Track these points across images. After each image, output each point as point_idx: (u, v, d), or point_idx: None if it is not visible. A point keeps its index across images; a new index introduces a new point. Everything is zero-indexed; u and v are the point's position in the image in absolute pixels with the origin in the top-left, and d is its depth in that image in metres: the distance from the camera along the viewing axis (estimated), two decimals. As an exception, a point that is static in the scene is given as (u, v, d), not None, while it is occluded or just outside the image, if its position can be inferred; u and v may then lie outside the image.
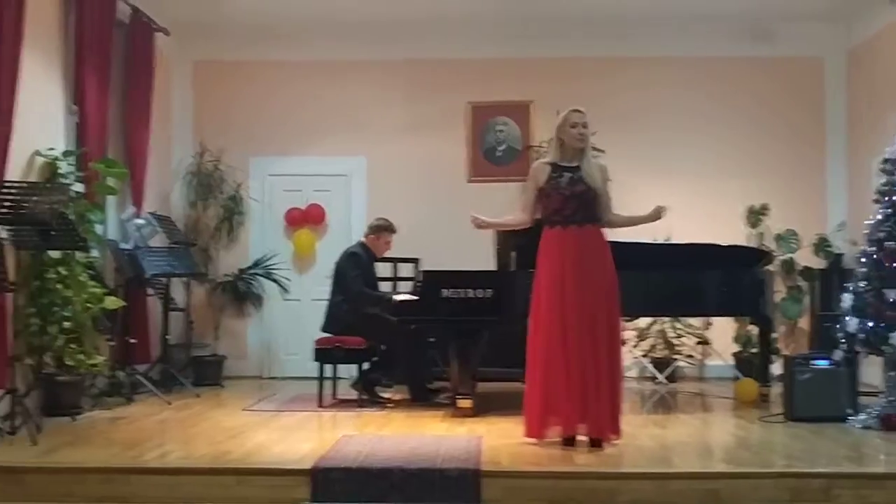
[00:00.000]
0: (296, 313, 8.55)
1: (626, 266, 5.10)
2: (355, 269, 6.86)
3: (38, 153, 6.08)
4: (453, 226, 7.29)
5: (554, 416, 4.89)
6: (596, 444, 4.88)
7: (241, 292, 8.61)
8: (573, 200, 4.97)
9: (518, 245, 6.22)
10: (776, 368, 6.80)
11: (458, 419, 5.87)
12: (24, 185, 5.51)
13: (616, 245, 5.11)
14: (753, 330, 7.56)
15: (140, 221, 7.32)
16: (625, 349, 5.23)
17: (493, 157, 8.93)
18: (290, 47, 8.75)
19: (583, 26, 8.53)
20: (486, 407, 6.08)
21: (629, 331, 7.90)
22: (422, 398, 6.63)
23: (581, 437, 4.90)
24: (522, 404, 5.03)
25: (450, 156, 8.83)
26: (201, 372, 7.89)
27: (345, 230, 8.62)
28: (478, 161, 8.92)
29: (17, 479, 4.33)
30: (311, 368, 6.80)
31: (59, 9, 6.52)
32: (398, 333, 6.62)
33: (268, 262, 8.61)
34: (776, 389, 6.55)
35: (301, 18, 8.36)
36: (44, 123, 6.26)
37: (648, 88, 8.72)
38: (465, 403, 5.99)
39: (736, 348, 8.29)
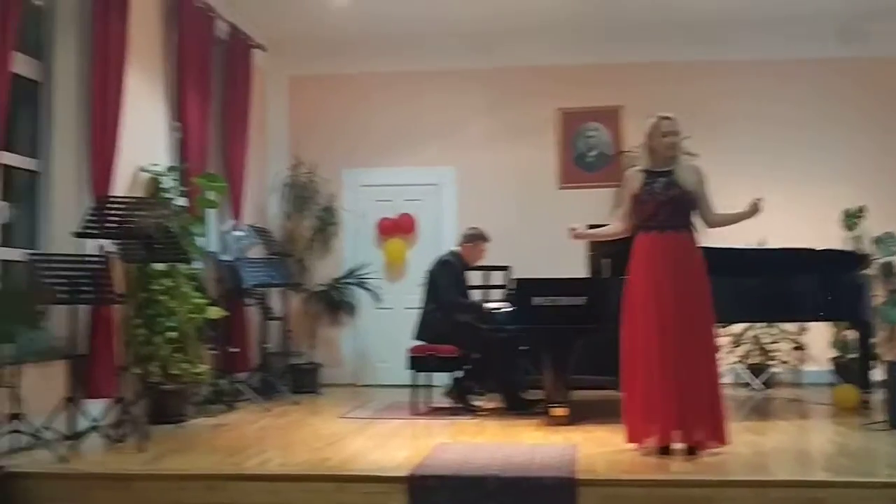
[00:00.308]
0: (388, 322, 8.65)
1: (720, 272, 5.02)
2: (448, 278, 6.92)
3: (142, 169, 6.33)
4: (544, 233, 7.30)
5: (652, 424, 4.84)
6: (692, 451, 4.81)
7: (335, 301, 8.77)
8: (668, 205, 4.92)
9: (611, 252, 6.16)
10: (876, 374, 6.58)
11: (552, 427, 5.85)
12: (131, 200, 5.73)
13: (710, 251, 5.03)
14: (850, 335, 7.33)
15: (239, 233, 7.54)
16: (719, 355, 5.13)
17: (583, 164, 8.89)
18: (382, 59, 8.88)
19: (671, 30, 8.42)
20: (580, 415, 6.04)
21: (724, 337, 7.75)
22: (515, 407, 6.63)
23: (678, 445, 4.83)
24: (620, 411, 4.99)
25: (540, 163, 8.83)
26: (299, 379, 8.05)
27: (435, 239, 8.70)
28: (568, 167, 8.89)
29: (125, 486, 4.48)
30: (404, 376, 6.87)
31: (161, 29, 6.77)
32: (490, 342, 6.65)
33: (360, 272, 8.75)
34: (877, 396, 6.34)
35: (392, 31, 8.47)
36: (148, 140, 6.50)
37: (738, 92, 8.57)
38: (558, 412, 5.97)
39: (833, 353, 8.05)
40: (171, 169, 6.55)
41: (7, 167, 5.19)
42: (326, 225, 8.81)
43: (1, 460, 4.55)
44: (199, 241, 6.60)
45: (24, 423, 4.69)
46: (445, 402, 6.81)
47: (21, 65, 5.31)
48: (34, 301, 4.80)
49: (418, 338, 6.89)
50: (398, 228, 8.97)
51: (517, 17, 8.18)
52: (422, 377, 6.76)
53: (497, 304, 7.00)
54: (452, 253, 7.17)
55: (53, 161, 5.68)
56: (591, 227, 5.56)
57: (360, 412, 6.84)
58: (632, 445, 4.91)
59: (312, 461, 4.82)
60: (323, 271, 8.85)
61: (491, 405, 6.83)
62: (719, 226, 5.08)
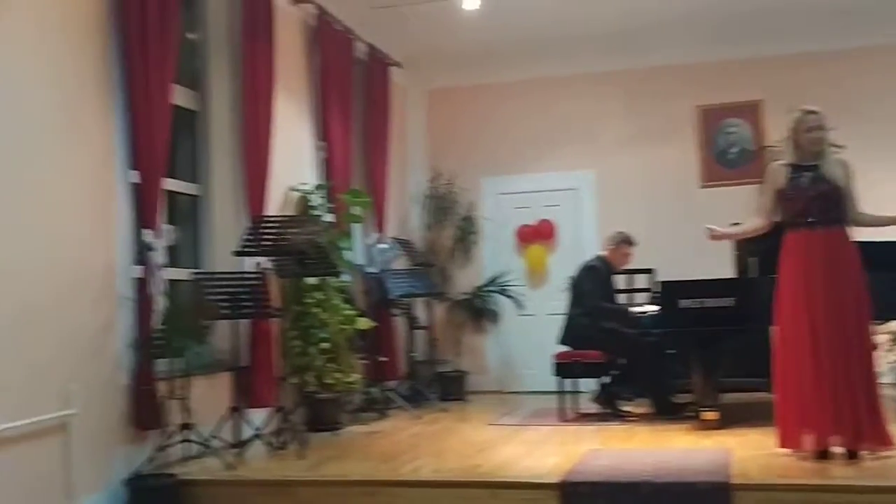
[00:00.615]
0: (531, 328, 8.68)
1: (877, 266, 4.82)
2: (592, 283, 6.89)
3: (292, 189, 6.61)
4: (687, 234, 7.11)
5: (807, 427, 4.70)
6: (852, 455, 4.64)
7: (477, 309, 8.88)
8: (818, 201, 4.76)
9: (758, 250, 6.02)
10: None
11: (703, 432, 5.75)
12: (283, 218, 6.00)
13: (865, 245, 4.84)
14: None
15: (383, 246, 7.77)
16: (877, 354, 4.92)
17: (724, 161, 8.69)
18: (516, 67, 8.95)
19: (809, 20, 8.10)
20: (731, 419, 5.91)
21: (881, 335, 7.39)
22: (665, 411, 6.55)
23: (836, 450, 4.67)
24: (773, 414, 4.86)
25: (680, 162, 8.68)
26: (446, 387, 8.19)
27: (576, 244, 8.67)
28: (710, 165, 8.70)
29: (288, 492, 4.70)
30: (550, 383, 6.89)
31: (304, 54, 7.05)
32: (637, 346, 6.59)
33: (502, 279, 8.83)
34: None
35: (525, 38, 8.51)
36: (296, 161, 6.79)
37: (880, 79, 8.17)
38: (709, 416, 5.87)
39: None
40: (318, 187, 6.81)
41: (171, 193, 5.53)
42: (467, 234, 8.95)
43: (174, 468, 4.87)
44: (346, 254, 6.83)
45: (193, 433, 4.98)
46: (593, 408, 6.80)
47: (180, 96, 5.65)
48: (200, 317, 5.11)
49: (563, 343, 6.90)
50: (538, 235, 9.01)
51: (650, 16, 8.08)
52: (568, 383, 6.77)
53: (642, 307, 6.94)
54: (599, 258, 7.14)
55: (212, 185, 6.02)
56: (733, 225, 5.45)
57: (508, 419, 6.91)
58: (784, 451, 4.78)
59: (465, 468, 4.91)
60: (465, 280, 8.98)
61: (640, 410, 6.76)
62: (865, 226, 4.88)
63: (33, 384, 4.20)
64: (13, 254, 4.14)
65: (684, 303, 5.96)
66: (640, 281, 7.83)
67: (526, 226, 9.04)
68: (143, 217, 4.95)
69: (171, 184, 5.46)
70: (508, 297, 8.79)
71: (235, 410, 5.32)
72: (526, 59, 8.86)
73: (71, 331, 4.48)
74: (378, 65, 8.22)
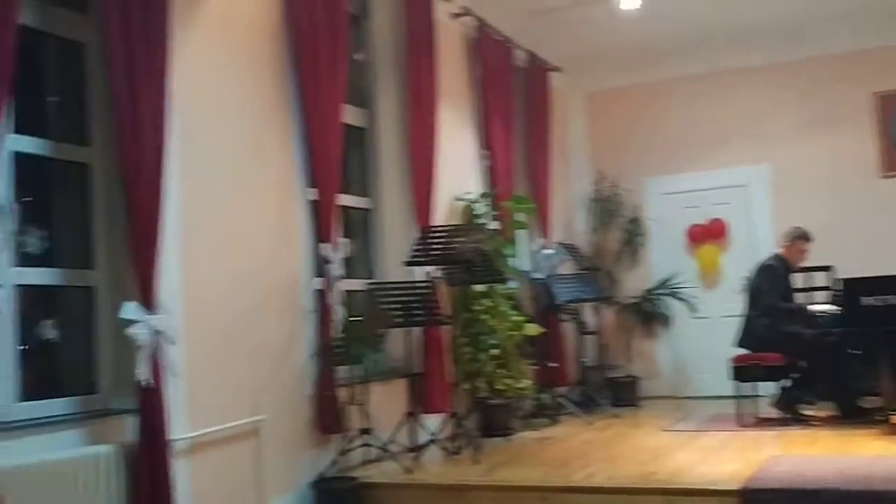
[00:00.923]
0: (705, 331, 8.45)
1: None
2: (770, 282, 6.65)
3: (457, 198, 6.75)
4: (867, 227, 6.82)
5: None
6: None
7: (647, 313, 8.74)
8: None
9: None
10: None
11: (894, 437, 5.45)
12: (450, 228, 6.13)
13: None
14: None
15: (549, 251, 7.79)
16: None
17: (906, 149, 8.20)
18: (676, 64, 8.77)
19: None
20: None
21: None
22: (850, 415, 6.23)
23: None
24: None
25: (857, 151, 8.25)
26: (617, 392, 8.10)
27: (750, 242, 8.38)
28: (889, 153, 8.21)
29: (464, 496, 4.80)
30: (725, 387, 6.70)
31: (466, 65, 7.19)
32: (818, 347, 6.31)
33: (672, 281, 8.66)
34: None
35: (684, 34, 8.33)
36: (460, 171, 6.92)
37: None
38: (900, 420, 5.57)
39: None
40: (482, 195, 6.92)
41: (345, 207, 5.77)
42: (633, 236, 8.83)
43: (355, 471, 5.07)
44: (512, 261, 6.89)
45: (372, 437, 5.17)
46: (773, 413, 6.55)
47: (350, 115, 5.89)
48: (376, 326, 5.30)
49: (741, 346, 6.70)
50: (709, 234, 8.77)
51: (819, 5, 7.74)
52: (746, 387, 6.56)
53: (822, 306, 6.64)
54: (776, 256, 6.89)
55: (382, 198, 6.24)
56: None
57: (683, 424, 6.76)
58: None
59: (639, 474, 4.85)
60: (633, 283, 8.85)
61: (823, 414, 6.47)
62: None
63: (229, 392, 4.50)
64: (212, 270, 4.46)
65: (867, 300, 5.69)
66: (819, 279, 7.50)
67: (696, 225, 8.83)
68: (321, 232, 5.20)
69: (344, 199, 5.69)
70: (680, 299, 8.60)
71: (411, 416, 5.48)
72: (687, 55, 8.66)
73: (261, 341, 4.77)
74: (537, 71, 8.26)
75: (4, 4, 3.25)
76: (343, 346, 5.11)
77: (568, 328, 7.96)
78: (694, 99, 8.83)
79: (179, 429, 4.02)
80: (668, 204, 8.94)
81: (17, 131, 3.69)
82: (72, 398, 3.87)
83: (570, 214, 8.98)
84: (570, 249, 8.23)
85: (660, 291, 8.70)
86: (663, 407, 7.90)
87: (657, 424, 6.76)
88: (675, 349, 8.82)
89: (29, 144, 3.80)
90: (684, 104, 8.87)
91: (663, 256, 8.89)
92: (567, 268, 8.09)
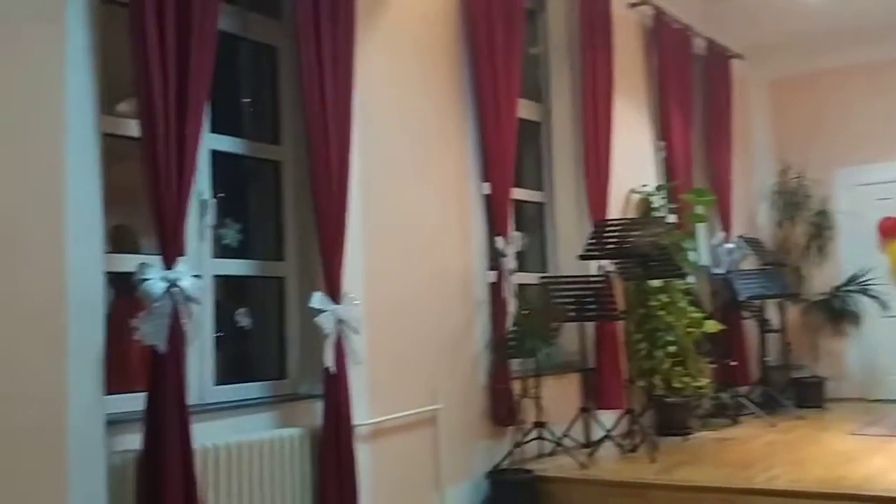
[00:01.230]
0: (897, 332, 7.98)
1: None
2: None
3: (633, 191, 6.64)
4: None
5: None
6: None
7: (836, 311, 8.31)
8: None
9: None
10: None
11: None
12: (625, 221, 6.03)
13: None
14: None
15: (730, 246, 7.54)
16: None
17: None
18: (866, 48, 8.25)
19: None
20: None
21: None
22: None
23: None
24: None
25: None
26: (802, 394, 7.73)
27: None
28: None
29: (640, 494, 4.73)
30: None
31: (642, 56, 7.06)
32: None
33: (863, 278, 8.18)
34: None
35: (875, 16, 7.83)
36: (636, 163, 6.81)
37: None
38: None
39: None
40: (659, 188, 6.78)
41: (518, 201, 5.79)
42: (821, 230, 8.40)
43: (529, 464, 5.09)
44: (691, 256, 6.70)
45: (546, 431, 5.17)
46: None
47: (524, 109, 5.90)
48: (549, 319, 5.30)
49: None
50: (901, 228, 8.24)
51: None
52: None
53: None
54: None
55: (556, 192, 6.23)
56: None
57: (873, 429, 6.39)
58: None
59: (827, 479, 4.64)
60: (821, 279, 8.43)
61: None
62: None
63: (407, 381, 4.63)
64: (391, 261, 4.59)
65: None
66: None
67: (889, 218, 8.30)
68: (495, 225, 5.26)
69: (518, 193, 5.71)
70: (871, 296, 8.12)
71: (585, 411, 5.45)
72: (877, 38, 8.12)
73: (437, 332, 4.88)
74: (717, 59, 8.00)
75: (206, 15, 3.46)
76: (516, 339, 5.14)
77: (750, 326, 7.68)
78: (887, 85, 8.29)
79: (361, 414, 4.17)
80: (859, 196, 8.44)
81: (214, 131, 3.93)
82: (263, 383, 4.09)
83: (752, 207, 8.65)
84: (753, 244, 7.93)
85: (849, 288, 8.26)
86: (851, 410, 7.48)
87: (845, 428, 6.42)
88: (864, 349, 8.33)
89: (225, 143, 4.04)
90: (875, 90, 8.36)
91: (854, 251, 8.41)
92: (749, 263, 7.80)
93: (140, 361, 3.44)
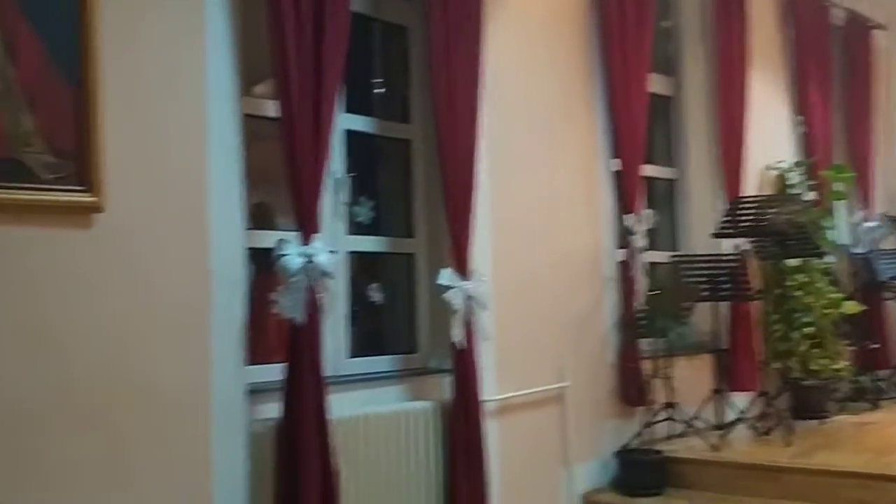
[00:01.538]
0: None
1: None
2: None
3: (769, 167, 6.43)
4: None
5: None
6: None
7: None
8: None
9: None
10: None
11: None
12: (761, 199, 5.84)
13: None
14: None
15: (872, 224, 7.21)
16: None
17: None
18: None
19: None
20: None
21: None
22: None
23: None
24: None
25: None
26: (949, 380, 7.35)
27: None
28: None
29: (775, 477, 4.62)
30: None
31: (778, 27, 6.80)
32: None
33: None
34: None
35: None
36: (772, 139, 6.58)
37: None
38: None
39: None
40: (796, 164, 6.55)
41: (649, 178, 5.70)
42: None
43: (659, 445, 5.03)
44: (829, 234, 6.46)
45: (677, 412, 5.10)
46: None
47: (655, 83, 5.78)
48: (680, 299, 5.20)
49: None
50: None
51: None
52: None
53: None
54: None
55: (688, 168, 6.09)
56: None
57: None
58: None
59: (978, 468, 4.42)
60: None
61: None
62: None
63: (535, 357, 4.64)
64: (519, 237, 4.59)
65: None
66: None
67: None
68: (624, 203, 5.19)
69: (648, 169, 5.62)
70: None
71: (717, 392, 5.33)
72: None
73: (565, 309, 4.86)
74: (858, 29, 7.63)
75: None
76: (647, 318, 5.08)
77: (892, 307, 7.33)
78: None
79: (489, 390, 4.20)
80: None
81: (348, 111, 4.02)
82: (394, 356, 4.18)
83: (895, 184, 8.23)
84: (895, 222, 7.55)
85: None
86: None
87: None
88: None
89: (358, 123, 4.12)
90: None
91: None
92: (891, 242, 7.43)
93: (278, 333, 3.58)
